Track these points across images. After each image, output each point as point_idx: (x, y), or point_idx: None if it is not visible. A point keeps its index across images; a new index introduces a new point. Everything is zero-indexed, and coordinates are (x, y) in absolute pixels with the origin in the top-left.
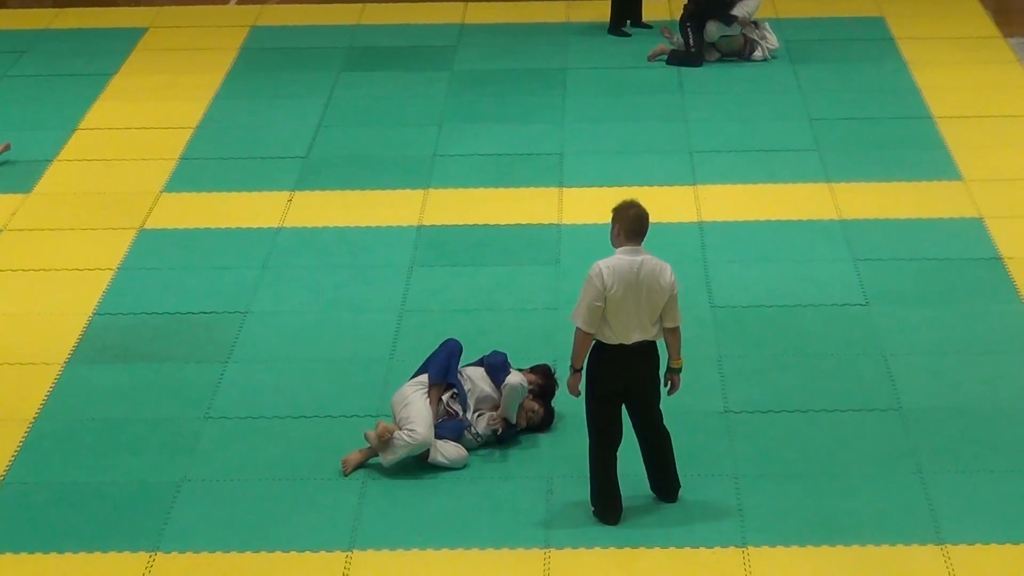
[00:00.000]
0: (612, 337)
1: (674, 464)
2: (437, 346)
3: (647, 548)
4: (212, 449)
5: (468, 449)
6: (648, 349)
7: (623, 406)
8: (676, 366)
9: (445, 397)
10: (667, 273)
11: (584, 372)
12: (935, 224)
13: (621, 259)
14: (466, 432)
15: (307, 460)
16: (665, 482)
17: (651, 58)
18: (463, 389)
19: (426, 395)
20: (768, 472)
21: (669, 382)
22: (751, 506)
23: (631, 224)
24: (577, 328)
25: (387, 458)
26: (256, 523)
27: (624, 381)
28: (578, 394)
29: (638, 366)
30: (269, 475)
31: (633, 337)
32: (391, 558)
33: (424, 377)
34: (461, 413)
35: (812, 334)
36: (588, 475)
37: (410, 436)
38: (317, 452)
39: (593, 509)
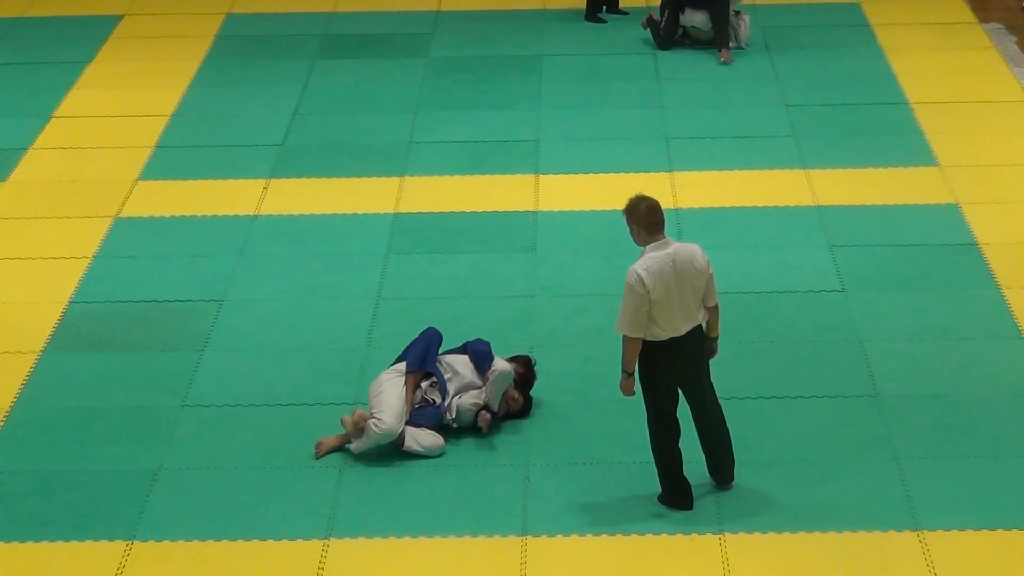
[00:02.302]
0: (663, 334)
1: (730, 444)
2: (417, 334)
3: (624, 535)
4: (189, 437)
5: (447, 432)
6: (698, 334)
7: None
8: (713, 335)
9: (424, 385)
10: (699, 255)
11: (639, 372)
12: (911, 210)
13: (654, 257)
14: (443, 417)
15: (284, 448)
16: (722, 465)
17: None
18: (442, 377)
19: (402, 384)
20: (744, 459)
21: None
22: (728, 493)
23: (647, 219)
24: (624, 336)
25: (356, 445)
26: (233, 511)
27: (682, 372)
28: (632, 394)
29: (692, 354)
30: (246, 463)
31: (683, 328)
32: (368, 546)
33: (401, 365)
34: (440, 401)
35: (788, 320)
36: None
37: (376, 425)
38: (294, 440)
39: (665, 499)
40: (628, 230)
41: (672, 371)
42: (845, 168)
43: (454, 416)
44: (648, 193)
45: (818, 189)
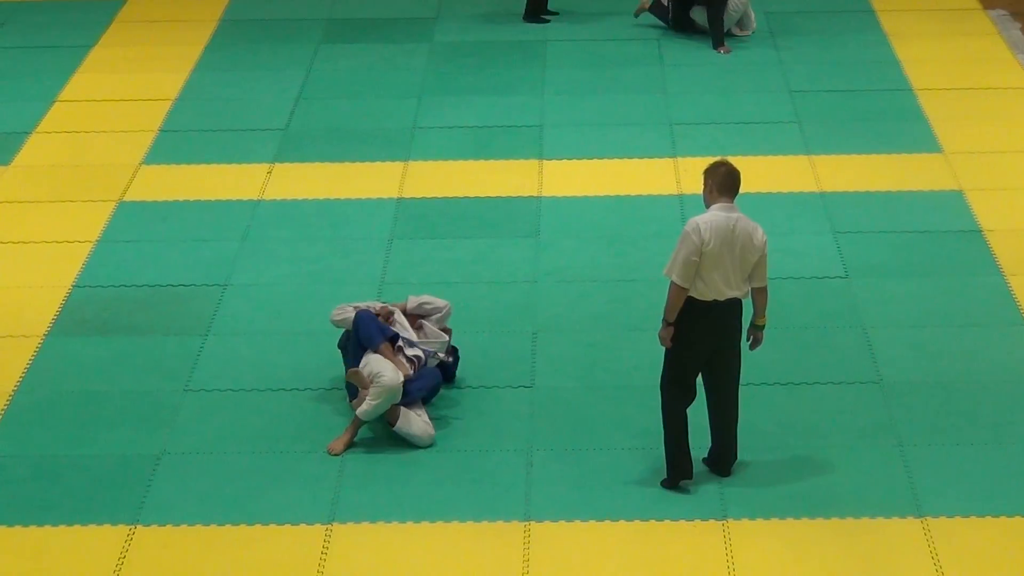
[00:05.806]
0: (706, 293)
1: (736, 441)
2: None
3: (627, 521)
4: (191, 422)
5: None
6: (738, 307)
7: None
8: (760, 323)
9: (402, 349)
10: (760, 233)
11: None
12: (915, 196)
13: (716, 215)
14: (435, 356)
15: (287, 433)
16: (725, 454)
17: (637, 13)
18: (404, 334)
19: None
20: (748, 445)
21: (752, 337)
22: (731, 479)
23: (723, 180)
24: (672, 283)
25: (362, 409)
26: (236, 496)
27: (716, 339)
28: (670, 345)
29: (728, 324)
30: (249, 448)
31: (726, 293)
32: (371, 531)
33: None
34: (423, 354)
35: (792, 307)
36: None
37: (378, 382)
38: (297, 425)
39: (668, 478)
40: (702, 188)
41: (708, 338)
42: (849, 154)
43: (442, 355)
44: (652, 179)
45: (822, 175)
